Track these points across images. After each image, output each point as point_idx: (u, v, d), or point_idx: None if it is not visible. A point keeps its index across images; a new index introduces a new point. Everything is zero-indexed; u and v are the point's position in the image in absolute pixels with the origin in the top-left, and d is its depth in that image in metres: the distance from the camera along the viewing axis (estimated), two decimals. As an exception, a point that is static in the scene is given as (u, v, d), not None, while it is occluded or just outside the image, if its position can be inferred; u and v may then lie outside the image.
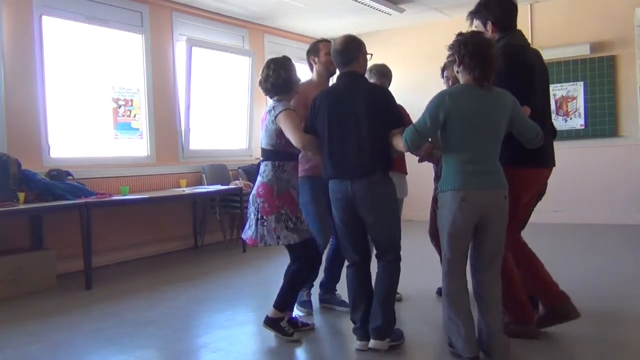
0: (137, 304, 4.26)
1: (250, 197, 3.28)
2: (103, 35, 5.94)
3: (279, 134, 3.15)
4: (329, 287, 3.94)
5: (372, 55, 3.17)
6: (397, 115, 3.00)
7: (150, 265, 5.74)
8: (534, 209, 3.35)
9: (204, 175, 6.74)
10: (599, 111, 7.03)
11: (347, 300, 3.39)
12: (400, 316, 3.77)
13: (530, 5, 7.29)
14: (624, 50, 6.97)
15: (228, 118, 7.39)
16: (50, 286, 4.74)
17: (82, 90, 5.74)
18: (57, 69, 5.50)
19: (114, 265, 5.70)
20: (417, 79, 7.88)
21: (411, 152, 2.98)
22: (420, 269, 4.99)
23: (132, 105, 6.23)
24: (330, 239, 3.84)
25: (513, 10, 3.16)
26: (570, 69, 7.28)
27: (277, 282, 3.42)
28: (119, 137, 6.10)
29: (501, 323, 2.78)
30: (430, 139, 3.06)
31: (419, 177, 4.97)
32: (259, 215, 3.18)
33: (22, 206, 4.59)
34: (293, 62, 3.33)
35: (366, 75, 3.34)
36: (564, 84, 7.29)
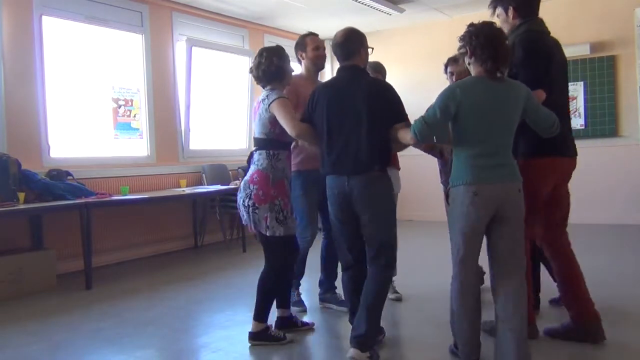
0: (137, 304, 4.26)
1: (242, 183, 3.19)
2: (103, 35, 5.94)
3: (273, 122, 3.08)
4: (328, 286, 3.95)
5: (373, 49, 3.09)
6: (399, 110, 2.90)
7: (150, 265, 5.74)
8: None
9: (204, 175, 6.74)
10: (599, 111, 7.03)
11: (347, 300, 3.38)
12: (401, 316, 3.78)
13: (530, 5, 7.30)
14: (624, 50, 6.97)
15: (228, 118, 7.39)
16: (50, 286, 4.74)
17: (82, 90, 5.74)
18: (57, 69, 5.50)
19: (114, 265, 5.70)
20: (417, 79, 7.88)
21: (415, 145, 2.88)
22: (421, 268, 4.99)
23: (132, 105, 6.23)
24: (323, 237, 3.85)
25: None
26: (570, 69, 7.21)
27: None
28: (119, 137, 6.10)
29: (525, 327, 2.62)
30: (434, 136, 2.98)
31: (416, 175, 4.96)
32: (250, 202, 3.10)
33: (22, 206, 4.59)
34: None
35: None
36: (564, 84, 7.29)
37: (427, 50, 8.11)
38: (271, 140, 3.14)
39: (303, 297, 3.99)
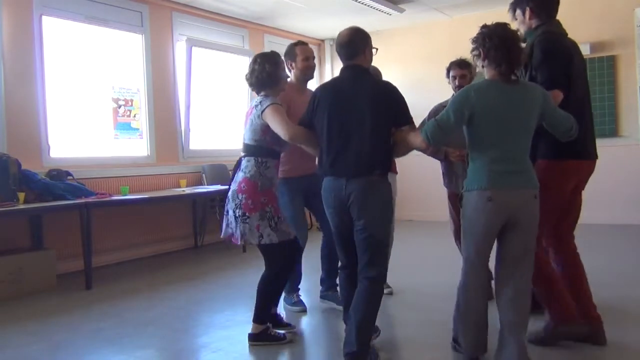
0: (137, 304, 4.26)
1: (230, 193, 3.15)
2: (103, 35, 5.94)
3: (265, 129, 3.06)
4: (329, 284, 3.96)
5: (377, 49, 2.98)
6: (404, 113, 2.81)
7: (150, 265, 5.74)
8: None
9: (204, 175, 6.73)
10: (599, 111, 7.02)
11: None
12: (400, 316, 3.78)
13: (530, 5, 7.30)
14: (624, 50, 6.97)
15: (228, 118, 7.39)
16: (50, 286, 4.74)
17: (82, 90, 5.74)
18: (57, 69, 5.50)
19: (114, 265, 5.70)
20: (416, 79, 7.88)
21: (421, 149, 2.82)
22: (421, 268, 4.99)
23: (132, 105, 6.23)
24: (322, 236, 3.89)
25: None
26: (571, 69, 7.26)
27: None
28: (119, 137, 6.10)
29: (525, 331, 2.62)
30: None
31: (416, 175, 4.97)
32: (240, 212, 3.06)
33: (22, 206, 4.59)
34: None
35: None
36: (564, 84, 7.28)
37: (427, 51, 8.11)
38: (261, 148, 3.12)
39: (303, 297, 3.99)
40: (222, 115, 7.30)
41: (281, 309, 3.89)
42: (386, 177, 2.83)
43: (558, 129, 2.68)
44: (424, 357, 3.07)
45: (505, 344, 2.59)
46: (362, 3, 6.81)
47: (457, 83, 3.82)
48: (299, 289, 3.94)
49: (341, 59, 2.93)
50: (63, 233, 5.20)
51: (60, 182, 5.03)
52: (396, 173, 4.03)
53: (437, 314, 3.62)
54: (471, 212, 2.59)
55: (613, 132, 6.99)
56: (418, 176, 6.79)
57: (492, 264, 2.74)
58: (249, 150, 3.17)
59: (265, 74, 3.12)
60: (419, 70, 8.08)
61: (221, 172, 6.88)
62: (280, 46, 7.91)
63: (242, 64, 7.45)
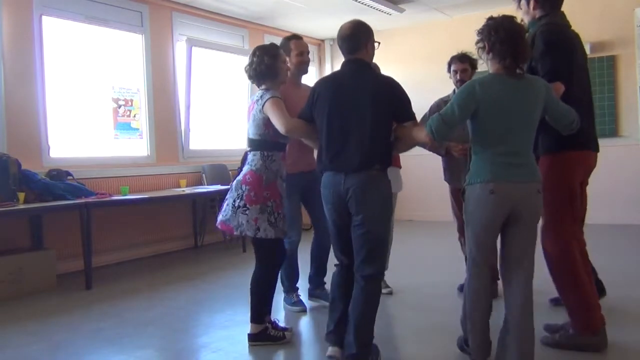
0: (137, 304, 4.26)
1: (234, 182, 3.15)
2: (103, 35, 5.94)
3: (267, 123, 3.06)
4: (317, 282, 3.97)
5: (379, 43, 2.92)
6: (407, 109, 2.77)
7: (150, 265, 5.74)
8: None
9: (204, 175, 6.74)
10: (599, 111, 7.00)
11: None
12: (400, 316, 3.78)
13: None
14: (624, 50, 6.97)
15: (228, 118, 7.39)
16: (50, 286, 4.74)
17: (82, 90, 5.74)
18: (57, 69, 5.50)
19: (114, 265, 5.70)
20: (416, 79, 7.86)
21: (422, 145, 2.79)
22: (421, 268, 4.99)
23: (132, 105, 6.23)
24: (313, 234, 3.90)
25: None
26: (570, 69, 7.26)
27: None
28: (119, 137, 6.10)
29: (531, 331, 2.58)
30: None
31: (416, 175, 4.98)
32: (242, 203, 3.06)
33: (22, 206, 4.59)
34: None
35: None
36: (564, 84, 7.28)
37: (427, 50, 8.11)
38: (265, 141, 3.12)
39: (302, 297, 3.99)
40: (222, 115, 7.30)
41: (281, 310, 3.89)
42: (385, 172, 2.79)
43: (561, 122, 2.67)
44: (424, 356, 3.07)
45: (508, 342, 2.57)
46: (362, 3, 6.81)
47: (458, 77, 3.84)
48: (297, 287, 3.94)
49: (343, 53, 2.88)
50: (63, 233, 5.20)
51: (60, 182, 5.03)
52: (400, 167, 4.03)
53: (437, 313, 3.63)
54: (474, 205, 2.58)
55: (613, 132, 6.99)
56: (418, 176, 6.78)
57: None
58: (254, 144, 3.17)
59: (264, 66, 3.13)
60: (419, 70, 8.08)
61: (221, 172, 6.89)
62: (280, 46, 7.93)
63: (242, 64, 7.44)
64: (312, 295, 3.99)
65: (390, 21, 7.85)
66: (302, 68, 3.82)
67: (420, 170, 6.49)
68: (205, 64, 6.95)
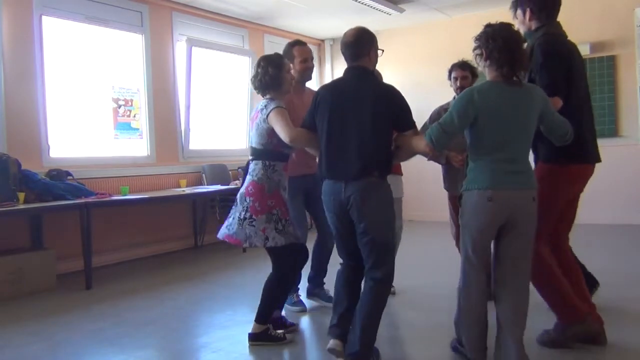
0: (137, 304, 4.26)
1: (238, 195, 3.18)
2: (103, 35, 5.94)
3: (271, 133, 3.07)
4: (317, 282, 3.97)
5: (383, 51, 2.95)
6: (407, 117, 2.78)
7: (150, 266, 5.74)
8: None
9: (204, 175, 6.74)
10: (599, 111, 7.00)
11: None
12: (401, 316, 3.78)
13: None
14: (624, 50, 6.97)
15: (228, 118, 7.39)
16: (50, 286, 4.74)
17: (82, 90, 5.74)
18: (57, 69, 5.50)
19: (114, 265, 5.70)
20: (416, 79, 7.88)
21: (423, 154, 2.78)
22: (420, 268, 4.99)
23: (132, 105, 6.23)
24: (316, 235, 3.90)
25: (556, 1, 3.03)
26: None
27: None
28: (119, 137, 6.10)
29: (521, 337, 2.60)
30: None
31: (416, 176, 4.98)
32: (247, 215, 3.08)
33: (22, 206, 4.59)
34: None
35: None
36: (564, 84, 7.28)
37: (427, 51, 8.11)
38: (268, 151, 3.13)
39: (302, 297, 3.99)
40: (222, 115, 7.30)
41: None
42: (385, 179, 2.80)
43: (555, 132, 2.67)
44: (424, 356, 3.07)
45: (503, 344, 2.59)
46: (362, 3, 6.81)
47: (458, 84, 3.83)
48: (298, 289, 3.95)
49: (346, 60, 2.89)
50: (63, 233, 5.20)
51: (60, 182, 5.03)
52: (401, 174, 4.04)
53: (437, 313, 3.63)
54: (470, 211, 2.59)
55: (613, 132, 6.99)
56: (418, 177, 6.77)
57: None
58: (257, 153, 3.18)
59: (269, 77, 3.14)
60: (419, 70, 8.08)
61: (221, 172, 6.89)
62: (280, 46, 7.87)
63: (242, 64, 7.46)
64: (311, 294, 4.00)
65: (390, 21, 7.85)
66: (306, 74, 3.81)
67: (421, 171, 6.49)
68: (205, 63, 6.95)
